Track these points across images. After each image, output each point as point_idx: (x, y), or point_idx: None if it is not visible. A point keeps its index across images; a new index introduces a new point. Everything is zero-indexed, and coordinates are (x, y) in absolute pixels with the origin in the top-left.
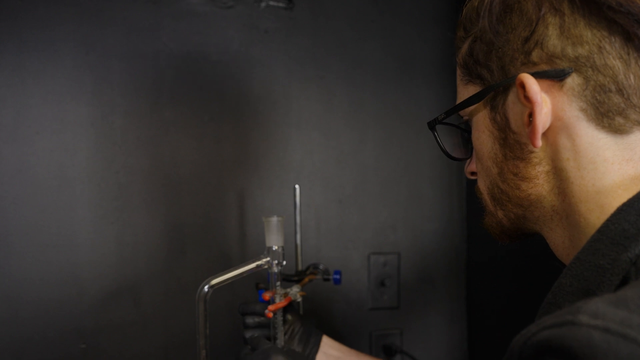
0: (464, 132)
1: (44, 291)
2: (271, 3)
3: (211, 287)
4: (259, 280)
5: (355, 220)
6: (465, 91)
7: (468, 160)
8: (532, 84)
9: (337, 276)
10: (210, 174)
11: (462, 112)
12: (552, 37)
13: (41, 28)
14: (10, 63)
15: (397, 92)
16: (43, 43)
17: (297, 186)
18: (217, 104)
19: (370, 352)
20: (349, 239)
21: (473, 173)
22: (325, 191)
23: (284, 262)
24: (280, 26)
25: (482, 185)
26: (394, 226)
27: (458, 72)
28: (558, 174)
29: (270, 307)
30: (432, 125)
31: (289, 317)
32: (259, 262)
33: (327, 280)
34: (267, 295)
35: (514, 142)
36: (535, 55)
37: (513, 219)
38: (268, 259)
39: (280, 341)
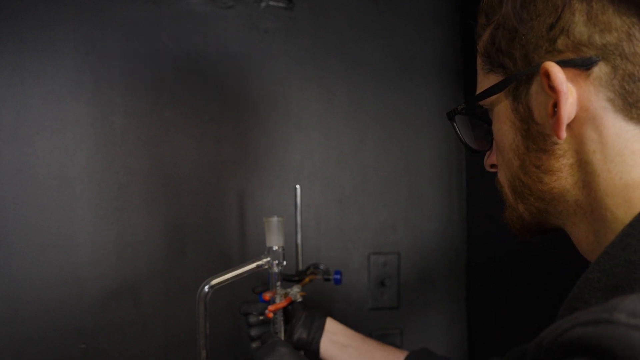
0: (484, 123)
1: (44, 291)
2: (271, 3)
3: (211, 287)
4: (257, 283)
5: (355, 220)
6: (486, 80)
7: (488, 152)
8: (558, 73)
9: (338, 276)
10: (210, 174)
11: (482, 103)
12: (579, 24)
13: (41, 28)
14: (10, 63)
15: (397, 92)
16: (43, 43)
17: (297, 186)
18: (217, 104)
19: None
20: (349, 239)
21: (493, 165)
22: (325, 191)
23: (284, 262)
24: (280, 26)
25: (503, 178)
26: (394, 226)
27: (478, 60)
28: (583, 166)
29: (271, 307)
30: (451, 116)
31: (290, 307)
32: (259, 262)
33: (327, 280)
34: (267, 296)
35: (537, 134)
36: (560, 42)
37: (534, 213)
38: (268, 259)
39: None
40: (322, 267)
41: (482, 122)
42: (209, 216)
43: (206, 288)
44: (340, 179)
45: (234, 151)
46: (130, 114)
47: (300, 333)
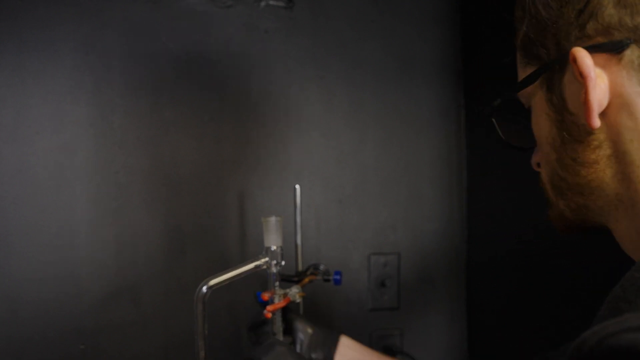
0: (523, 119)
1: (43, 291)
2: (271, 3)
3: (210, 287)
4: (257, 283)
5: (355, 220)
6: (524, 74)
7: (535, 150)
8: (584, 58)
9: (338, 277)
10: (210, 174)
11: (520, 96)
12: (608, 7)
13: (41, 28)
14: (10, 63)
15: (397, 92)
16: (43, 43)
17: (297, 186)
18: (217, 104)
19: None
20: (349, 239)
21: (539, 164)
22: (325, 191)
23: (283, 262)
24: (280, 26)
25: (544, 175)
26: (394, 226)
27: (518, 55)
28: (621, 157)
29: (269, 308)
30: (489, 112)
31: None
32: (257, 263)
33: (327, 280)
34: (266, 296)
35: (572, 124)
36: (590, 27)
37: (575, 209)
38: (267, 259)
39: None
40: (321, 267)
41: (521, 118)
42: (209, 216)
43: (204, 288)
44: (340, 179)
45: (234, 151)
46: (130, 113)
47: (315, 354)
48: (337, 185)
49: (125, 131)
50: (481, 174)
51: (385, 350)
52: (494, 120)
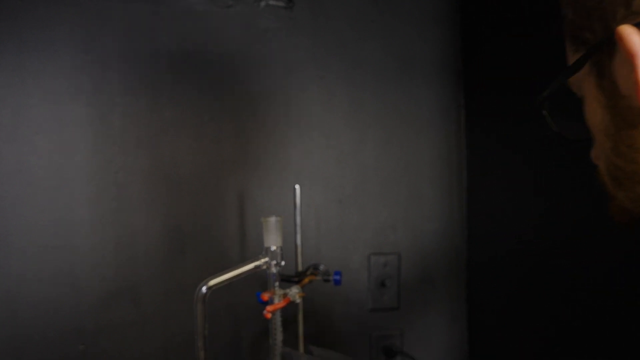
0: (576, 109)
1: (43, 291)
2: (271, 2)
3: (209, 288)
4: (257, 283)
5: (355, 220)
6: (573, 61)
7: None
8: (630, 35)
9: (338, 277)
10: (210, 174)
11: (572, 86)
12: None
13: (41, 28)
14: (10, 63)
15: (397, 92)
16: (43, 43)
17: (297, 186)
18: (217, 104)
19: (370, 354)
20: (349, 239)
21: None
22: (325, 191)
23: (283, 262)
24: (280, 26)
25: (602, 166)
26: (394, 226)
27: (566, 44)
28: None
29: (269, 308)
30: (540, 103)
31: None
32: (257, 263)
33: (327, 281)
34: (265, 296)
35: (626, 109)
36: (636, 4)
37: (635, 199)
38: (266, 259)
39: (279, 342)
40: (321, 267)
41: (573, 108)
42: (209, 216)
43: (204, 289)
44: (340, 179)
45: (234, 151)
46: (129, 113)
47: None
48: (337, 185)
49: (124, 131)
50: (481, 174)
51: (385, 350)
52: (545, 112)
